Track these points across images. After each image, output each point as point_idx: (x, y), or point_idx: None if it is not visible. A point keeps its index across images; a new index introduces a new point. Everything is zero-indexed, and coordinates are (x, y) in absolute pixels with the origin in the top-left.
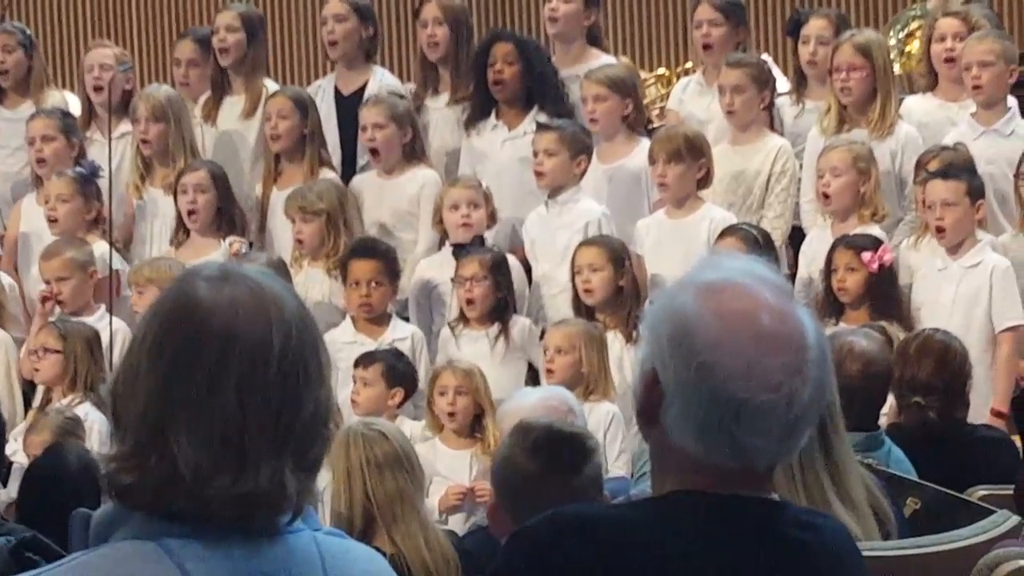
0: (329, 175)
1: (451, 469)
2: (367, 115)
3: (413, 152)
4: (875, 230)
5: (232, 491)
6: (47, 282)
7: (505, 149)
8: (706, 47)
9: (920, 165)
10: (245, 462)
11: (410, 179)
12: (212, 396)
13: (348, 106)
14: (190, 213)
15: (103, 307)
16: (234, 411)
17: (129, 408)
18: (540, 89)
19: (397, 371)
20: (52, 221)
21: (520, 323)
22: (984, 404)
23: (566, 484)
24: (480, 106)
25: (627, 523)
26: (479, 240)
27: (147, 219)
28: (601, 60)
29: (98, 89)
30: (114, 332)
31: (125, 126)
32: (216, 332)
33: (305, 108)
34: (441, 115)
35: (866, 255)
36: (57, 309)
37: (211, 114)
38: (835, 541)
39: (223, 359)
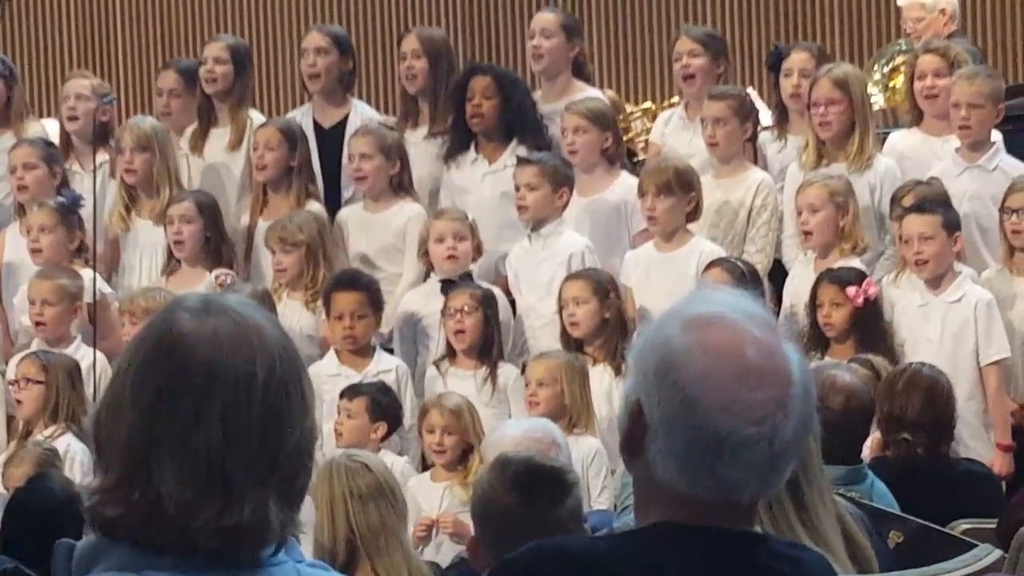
0: (315, 208)
1: (427, 501)
2: (355, 145)
3: (400, 185)
4: (856, 263)
5: (217, 524)
6: (32, 302)
7: (486, 183)
8: (686, 78)
9: (895, 200)
10: (230, 495)
11: (396, 212)
12: (196, 428)
13: (330, 139)
14: (176, 244)
15: (79, 338)
16: (219, 443)
17: (113, 440)
18: (519, 123)
19: (381, 405)
20: (35, 252)
21: (507, 370)
22: (972, 438)
23: (545, 518)
24: (459, 140)
25: (609, 555)
26: (467, 276)
27: (133, 249)
28: (586, 93)
29: (72, 119)
30: (96, 362)
31: (101, 156)
32: (200, 364)
33: (294, 140)
34: (420, 148)
35: (851, 290)
36: (35, 343)
37: (198, 145)
38: (817, 575)
39: (207, 391)
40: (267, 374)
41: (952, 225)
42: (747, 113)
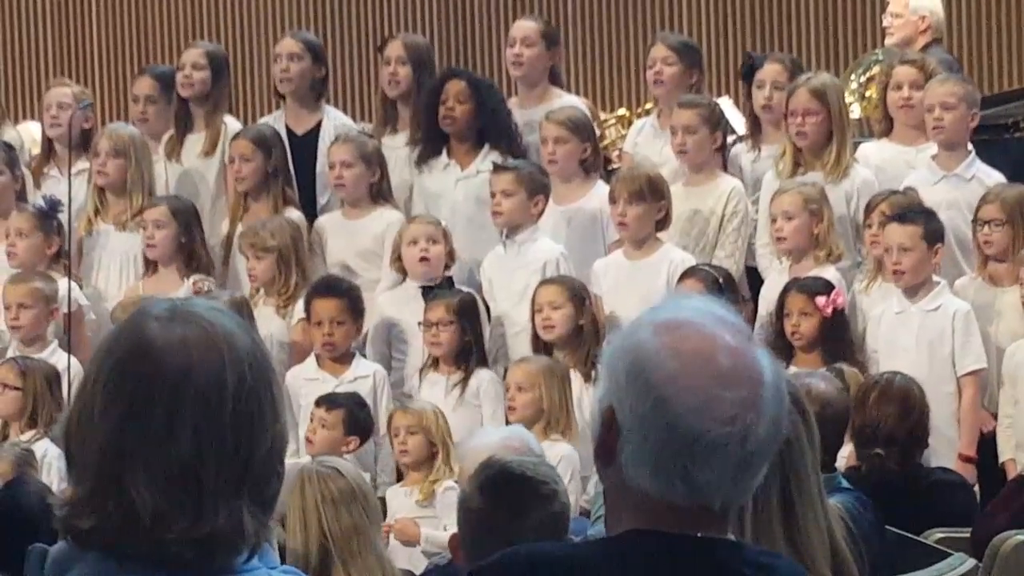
0: (294, 213)
1: (398, 506)
2: (336, 153)
3: (380, 192)
4: (831, 272)
5: (192, 533)
6: (7, 307)
7: (459, 189)
8: (657, 84)
9: (870, 208)
10: (203, 503)
11: (375, 219)
12: (168, 437)
13: (303, 146)
14: (148, 247)
15: (56, 342)
16: (191, 452)
17: (84, 451)
18: (492, 128)
19: (357, 420)
20: (11, 255)
21: (481, 375)
22: (947, 447)
23: (506, 526)
24: (430, 144)
25: (579, 562)
26: (448, 281)
27: (96, 252)
28: (564, 100)
29: (55, 127)
30: (71, 368)
31: (83, 163)
32: (170, 373)
33: (268, 147)
34: (399, 154)
35: (820, 300)
36: (12, 348)
37: (175, 150)
38: None
39: (177, 400)
40: (237, 381)
41: (933, 236)
42: (717, 122)
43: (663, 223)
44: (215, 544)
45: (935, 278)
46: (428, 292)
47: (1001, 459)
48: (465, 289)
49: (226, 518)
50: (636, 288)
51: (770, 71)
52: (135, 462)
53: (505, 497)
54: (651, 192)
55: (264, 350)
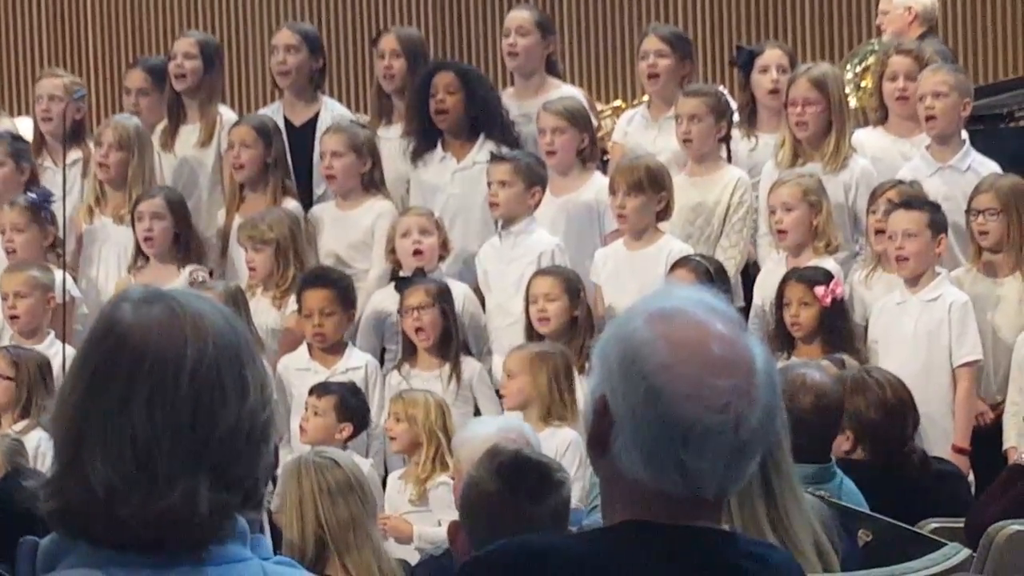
0: (291, 204)
1: (395, 497)
2: (327, 143)
3: (372, 182)
4: (829, 262)
5: (145, 510)
6: (4, 297)
7: (456, 181)
8: (651, 77)
9: (875, 197)
10: (157, 480)
11: (367, 210)
12: (123, 413)
13: (300, 137)
14: (146, 240)
15: (53, 333)
16: (144, 427)
17: (58, 432)
18: (485, 118)
19: (350, 406)
20: (10, 252)
21: (470, 364)
22: (943, 438)
23: (524, 511)
24: (424, 137)
25: (576, 554)
26: (421, 272)
27: (96, 244)
28: (561, 91)
29: (47, 120)
30: (66, 359)
31: (76, 153)
32: (130, 351)
33: (269, 136)
34: (394, 145)
35: (819, 289)
36: (7, 336)
37: (168, 142)
38: (785, 574)
39: (134, 376)
40: (197, 358)
41: (937, 226)
42: (722, 112)
43: (664, 214)
44: (168, 522)
45: (937, 268)
46: (403, 283)
47: (1005, 446)
48: (439, 280)
49: (182, 495)
50: (635, 278)
51: (772, 56)
52: (93, 439)
53: (524, 483)
54: (650, 183)
55: (239, 331)
